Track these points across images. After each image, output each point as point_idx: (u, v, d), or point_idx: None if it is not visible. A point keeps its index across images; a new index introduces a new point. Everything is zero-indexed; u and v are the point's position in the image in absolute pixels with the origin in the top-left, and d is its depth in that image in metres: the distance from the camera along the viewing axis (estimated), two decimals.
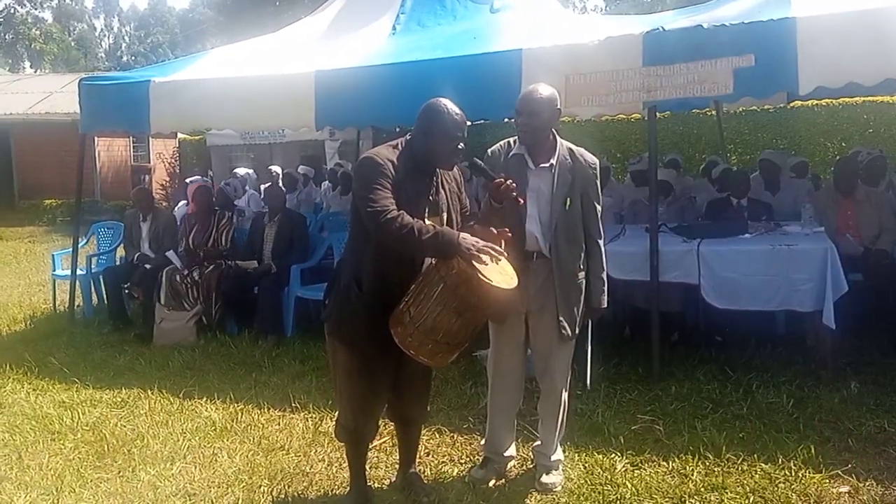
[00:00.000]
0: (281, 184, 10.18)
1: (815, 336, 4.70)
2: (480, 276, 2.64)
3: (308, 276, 6.25)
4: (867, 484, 3.27)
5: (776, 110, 12.94)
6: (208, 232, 6.55)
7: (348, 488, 3.29)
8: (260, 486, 3.48)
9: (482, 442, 3.57)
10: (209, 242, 6.51)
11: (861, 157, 6.81)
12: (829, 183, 6.40)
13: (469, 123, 2.99)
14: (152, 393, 4.75)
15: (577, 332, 3.27)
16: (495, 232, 2.86)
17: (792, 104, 11.32)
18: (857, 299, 4.59)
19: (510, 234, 2.90)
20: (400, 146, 2.94)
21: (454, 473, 3.54)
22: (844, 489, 3.25)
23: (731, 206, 5.85)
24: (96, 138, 16.29)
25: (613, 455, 3.62)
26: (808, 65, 4.13)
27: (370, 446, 3.31)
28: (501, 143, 3.30)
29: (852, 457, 3.51)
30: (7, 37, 50.16)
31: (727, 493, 3.25)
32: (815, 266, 4.44)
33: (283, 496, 3.40)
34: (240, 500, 3.36)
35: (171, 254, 6.39)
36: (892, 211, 5.73)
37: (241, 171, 10.03)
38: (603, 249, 3.32)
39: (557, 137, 3.21)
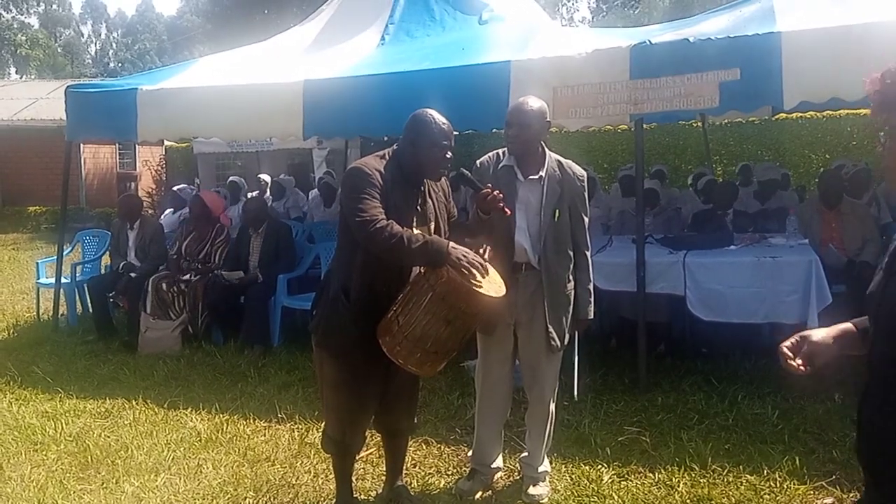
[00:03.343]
0: (269, 192, 10.14)
1: None
2: (469, 283, 2.65)
3: (295, 285, 6.23)
4: (851, 495, 3.29)
5: (761, 122, 13.07)
6: (203, 244, 6.47)
7: (334, 500, 3.27)
8: (245, 497, 3.46)
9: (469, 453, 3.57)
10: (200, 254, 6.44)
11: (846, 169, 6.87)
12: (814, 195, 6.45)
13: (456, 133, 3.01)
14: (137, 403, 4.72)
15: (565, 343, 3.28)
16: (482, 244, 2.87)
17: (777, 116, 11.45)
18: (840, 311, 4.61)
19: (489, 248, 2.90)
20: (387, 156, 2.94)
21: (441, 485, 3.53)
22: (829, 500, 3.28)
23: (717, 218, 5.89)
24: (82, 145, 16.19)
25: (600, 466, 3.63)
26: (792, 79, 4.19)
27: (357, 458, 3.30)
28: (490, 154, 3.31)
29: (836, 468, 3.54)
30: None
31: None
32: (800, 278, 4.48)
33: None
34: None
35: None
36: (875, 223, 5.79)
37: (235, 178, 9.93)
38: (590, 261, 3.34)
39: (546, 149, 3.23)
